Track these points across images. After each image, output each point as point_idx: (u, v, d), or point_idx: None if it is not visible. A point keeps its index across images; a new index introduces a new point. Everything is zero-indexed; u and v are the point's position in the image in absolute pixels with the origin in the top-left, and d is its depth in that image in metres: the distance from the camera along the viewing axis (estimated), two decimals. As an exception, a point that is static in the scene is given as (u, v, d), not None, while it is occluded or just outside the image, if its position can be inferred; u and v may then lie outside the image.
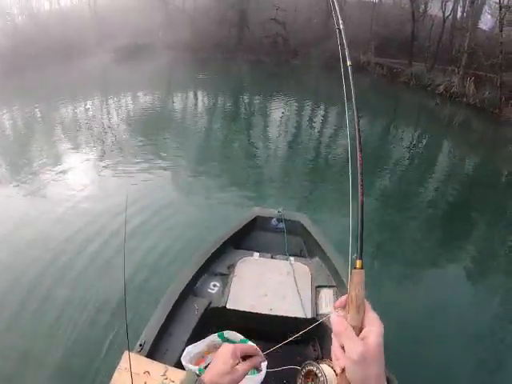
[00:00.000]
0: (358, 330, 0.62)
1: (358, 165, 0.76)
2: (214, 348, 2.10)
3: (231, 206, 5.01)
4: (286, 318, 2.29)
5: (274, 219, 3.03)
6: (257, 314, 2.30)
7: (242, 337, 1.99)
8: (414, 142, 9.62)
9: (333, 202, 5.66)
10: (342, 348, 0.61)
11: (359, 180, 0.75)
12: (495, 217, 5.91)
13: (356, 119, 0.82)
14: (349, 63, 0.88)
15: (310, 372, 0.66)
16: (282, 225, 3.00)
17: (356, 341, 0.59)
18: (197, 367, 1.78)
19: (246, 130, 9.27)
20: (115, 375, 1.72)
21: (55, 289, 3.55)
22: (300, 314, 2.31)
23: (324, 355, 2.38)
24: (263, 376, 1.79)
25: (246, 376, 1.82)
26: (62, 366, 2.81)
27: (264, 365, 1.83)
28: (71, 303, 3.38)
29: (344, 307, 0.66)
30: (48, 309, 3.32)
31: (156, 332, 1.98)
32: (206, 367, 1.99)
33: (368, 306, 0.64)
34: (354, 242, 0.75)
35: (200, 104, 11.55)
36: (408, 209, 5.71)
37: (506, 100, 11.30)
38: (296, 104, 11.62)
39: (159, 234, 4.45)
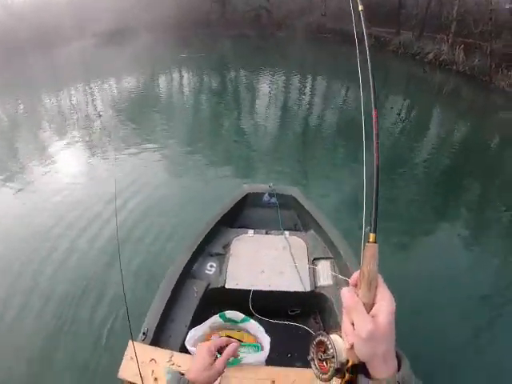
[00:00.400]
0: (370, 306, 0.59)
1: (374, 123, 0.68)
2: (217, 329, 2.11)
3: (223, 185, 4.95)
4: (285, 292, 2.30)
5: (266, 195, 2.99)
6: (256, 291, 2.30)
7: (243, 316, 2.00)
8: (404, 111, 9.57)
9: (330, 173, 5.66)
10: (352, 324, 0.58)
11: (375, 141, 0.68)
12: (487, 181, 5.96)
13: (370, 70, 0.74)
14: (360, 8, 0.81)
15: (321, 342, 0.64)
16: (274, 200, 2.97)
17: (366, 318, 0.56)
18: None
19: (234, 106, 9.11)
20: (122, 366, 1.72)
21: (50, 282, 3.50)
22: (299, 288, 2.31)
23: (325, 326, 2.41)
24: (267, 353, 1.80)
25: (251, 354, 1.85)
26: (66, 361, 2.79)
27: (267, 341, 1.85)
28: (68, 296, 3.34)
29: (357, 284, 0.63)
30: (45, 303, 3.27)
31: (158, 319, 1.97)
32: None
33: (381, 281, 0.60)
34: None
35: (185, 83, 11.28)
36: (400, 178, 5.69)
37: (496, 67, 11.22)
38: (283, 77, 11.42)
39: (151, 216, 4.39)
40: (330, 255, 2.56)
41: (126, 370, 1.70)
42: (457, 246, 4.35)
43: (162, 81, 11.27)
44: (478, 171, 6.13)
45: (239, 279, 2.38)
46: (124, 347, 1.77)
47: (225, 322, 2.03)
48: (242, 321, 1.99)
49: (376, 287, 0.59)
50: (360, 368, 0.59)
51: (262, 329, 1.92)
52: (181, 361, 1.75)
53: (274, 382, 1.71)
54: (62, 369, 2.74)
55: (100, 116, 7.95)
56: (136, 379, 1.62)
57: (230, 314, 2.00)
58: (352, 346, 0.57)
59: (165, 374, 1.62)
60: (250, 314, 2.15)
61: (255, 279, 2.37)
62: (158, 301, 2.08)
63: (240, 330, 2.07)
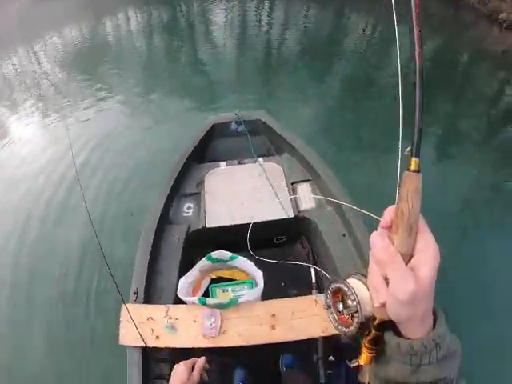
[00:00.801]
0: (407, 256, 0.46)
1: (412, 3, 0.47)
2: (207, 272, 2.03)
3: (189, 121, 4.60)
4: (269, 222, 2.19)
5: (233, 123, 2.77)
6: (239, 225, 2.18)
7: (230, 254, 1.91)
8: (370, 28, 9.13)
9: (299, 94, 5.38)
10: (385, 279, 0.46)
11: (416, 29, 0.48)
12: (458, 96, 5.88)
13: None
14: None
15: (338, 290, 0.53)
16: (242, 127, 2.76)
17: (406, 276, 0.44)
18: (196, 297, 1.70)
19: (189, 39, 8.44)
20: (121, 332, 1.66)
21: (16, 253, 3.26)
22: (282, 215, 2.21)
23: (313, 250, 2.38)
24: (262, 287, 1.72)
25: (247, 291, 1.77)
26: (59, 340, 2.66)
27: (260, 276, 1.76)
28: (40, 267, 3.13)
29: (390, 226, 0.47)
30: (15, 278, 3.08)
31: (145, 275, 1.85)
32: (203, 295, 1.95)
33: (423, 225, 0.46)
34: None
35: (133, 23, 10.24)
36: (368, 96, 5.49)
37: (466, -17, 10.65)
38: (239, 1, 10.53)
39: (116, 166, 4.08)
40: (309, 177, 2.44)
41: (126, 335, 1.64)
42: (431, 161, 4.28)
43: (109, 25, 10.18)
44: (448, 87, 5.99)
45: (219, 216, 2.24)
46: (117, 312, 1.69)
47: (213, 263, 1.93)
48: (231, 259, 1.89)
49: (416, 232, 0.46)
50: (388, 325, 0.49)
51: (251, 263, 1.82)
52: (177, 313, 1.70)
53: (274, 315, 1.67)
54: (54, 350, 2.61)
55: (47, 75, 7.21)
56: (138, 342, 1.58)
57: (216, 254, 1.89)
58: (383, 305, 0.46)
59: (164, 328, 1.62)
60: (236, 249, 2.06)
61: (236, 213, 2.25)
62: (141, 256, 1.94)
63: (230, 268, 1.99)
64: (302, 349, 1.88)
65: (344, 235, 2.07)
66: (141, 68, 6.88)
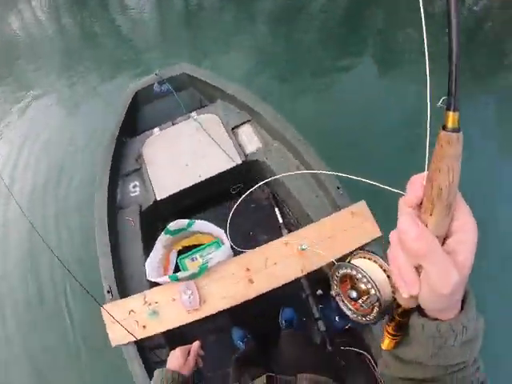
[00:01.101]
0: (442, 238, 0.37)
1: None
2: (171, 245, 1.94)
3: (114, 94, 4.12)
4: (219, 175, 2.07)
5: (156, 84, 2.55)
6: (190, 187, 2.05)
7: (186, 221, 1.82)
8: None
9: (229, 36, 5.06)
10: (416, 268, 0.38)
11: None
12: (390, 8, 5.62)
13: None
14: None
15: (345, 276, 0.47)
16: (165, 86, 2.55)
17: (449, 267, 0.36)
18: (166, 276, 1.61)
19: (102, 9, 7.65)
20: (110, 334, 1.61)
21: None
22: (230, 164, 2.09)
23: (273, 191, 2.30)
24: (229, 244, 1.64)
25: (214, 253, 1.68)
26: (45, 362, 2.53)
27: (223, 233, 1.69)
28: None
29: (419, 204, 0.38)
30: None
31: (112, 271, 1.76)
32: (174, 272, 1.87)
33: (460, 200, 0.37)
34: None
35: (38, 10, 9.16)
36: (299, 22, 5.09)
37: None
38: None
39: (46, 165, 3.78)
40: (248, 117, 2.30)
41: (116, 336, 1.60)
42: (369, 76, 4.11)
43: (12, 20, 8.92)
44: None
45: (167, 185, 2.10)
46: (98, 316, 1.61)
47: (173, 235, 1.82)
48: (189, 225, 1.79)
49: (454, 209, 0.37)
50: (413, 309, 0.44)
51: (211, 224, 1.71)
52: (155, 296, 1.65)
53: (248, 269, 1.60)
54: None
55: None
56: (128, 338, 1.55)
57: (173, 225, 1.78)
58: (414, 297, 0.39)
59: (148, 315, 1.58)
60: (195, 211, 1.96)
61: (183, 176, 2.11)
62: (102, 251, 1.83)
63: (192, 234, 1.90)
64: (287, 293, 1.83)
65: (298, 167, 1.97)
66: (59, 56, 6.17)
